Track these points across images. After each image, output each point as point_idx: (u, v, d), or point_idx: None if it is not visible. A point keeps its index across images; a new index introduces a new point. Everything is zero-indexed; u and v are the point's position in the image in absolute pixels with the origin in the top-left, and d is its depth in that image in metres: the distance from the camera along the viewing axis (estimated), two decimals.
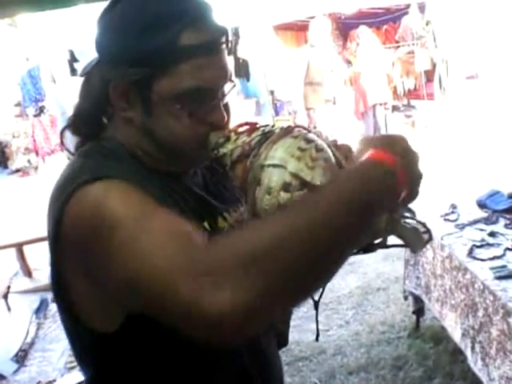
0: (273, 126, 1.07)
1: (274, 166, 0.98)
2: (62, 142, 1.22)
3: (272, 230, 0.84)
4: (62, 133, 1.21)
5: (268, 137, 1.03)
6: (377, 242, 1.02)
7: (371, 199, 0.89)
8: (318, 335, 1.37)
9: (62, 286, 1.05)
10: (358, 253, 1.01)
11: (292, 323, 4.49)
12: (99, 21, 1.11)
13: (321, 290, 1.11)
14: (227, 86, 1.13)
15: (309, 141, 1.00)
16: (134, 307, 0.96)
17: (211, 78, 1.08)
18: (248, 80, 7.13)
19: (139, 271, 0.87)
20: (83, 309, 1.05)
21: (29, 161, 13.26)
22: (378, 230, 0.97)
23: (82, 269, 1.00)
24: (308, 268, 0.83)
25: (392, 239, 1.04)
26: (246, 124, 1.10)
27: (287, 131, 1.03)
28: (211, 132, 1.10)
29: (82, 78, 1.19)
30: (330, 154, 1.01)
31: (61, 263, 1.03)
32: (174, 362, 1.10)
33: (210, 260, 0.82)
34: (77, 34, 11.29)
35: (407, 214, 1.03)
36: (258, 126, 1.09)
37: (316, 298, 1.14)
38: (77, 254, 0.99)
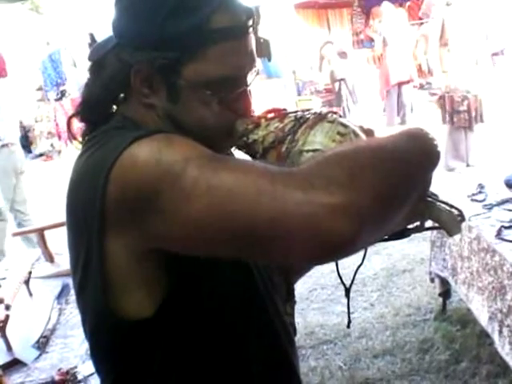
0: (303, 111, 1.06)
1: (315, 151, 0.97)
2: (69, 129, 1.18)
3: (360, 147, 0.91)
4: (69, 120, 1.17)
5: (302, 122, 1.01)
6: (413, 226, 1.02)
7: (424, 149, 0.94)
8: (349, 322, 1.37)
9: (97, 270, 0.99)
10: (392, 238, 1.01)
11: (315, 306, 4.50)
12: (118, 1, 1.06)
13: (352, 276, 1.18)
14: (252, 72, 1.10)
15: (345, 126, 1.00)
16: (214, 253, 0.95)
17: (241, 64, 1.05)
18: (269, 60, 7.03)
19: (237, 210, 0.86)
20: (122, 292, 1.01)
21: (52, 145, 13.35)
22: (415, 213, 0.97)
23: (138, 233, 0.95)
24: (401, 174, 0.88)
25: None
26: (274, 110, 1.08)
27: (322, 116, 1.01)
28: (237, 119, 1.08)
29: (90, 63, 1.14)
30: (365, 139, 1.01)
31: (104, 240, 0.97)
32: (205, 346, 1.08)
33: (311, 175, 0.85)
34: (97, 18, 11.30)
35: (436, 197, 1.00)
36: (286, 111, 1.08)
37: (347, 285, 1.22)
38: (133, 218, 0.94)
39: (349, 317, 1.33)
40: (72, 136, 1.18)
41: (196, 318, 1.06)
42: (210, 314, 1.08)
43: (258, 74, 1.11)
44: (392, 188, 0.87)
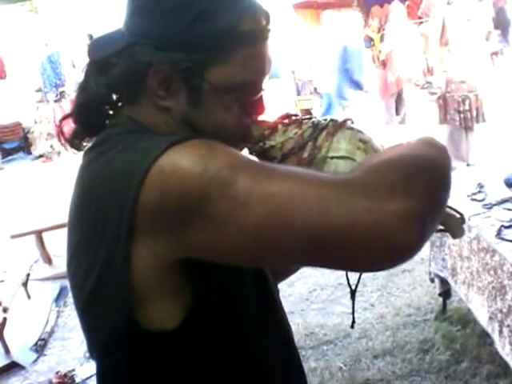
0: (315, 118, 1.07)
1: (340, 157, 0.99)
2: (62, 132, 1.12)
3: (404, 156, 0.92)
4: (61, 122, 1.13)
5: (321, 129, 1.03)
6: None
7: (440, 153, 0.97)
8: (353, 322, 1.36)
9: (122, 280, 0.94)
10: None
11: (315, 306, 4.49)
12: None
13: (357, 280, 1.20)
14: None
15: (363, 133, 1.02)
16: (265, 263, 0.98)
17: (262, 69, 1.04)
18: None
19: (302, 218, 0.85)
20: (146, 302, 0.96)
21: (51, 146, 13.33)
22: None
23: (172, 242, 0.91)
24: (441, 179, 0.92)
25: None
26: (288, 116, 1.09)
27: (341, 123, 1.04)
28: (252, 124, 1.07)
29: (91, 61, 1.08)
30: (398, 147, 1.05)
31: (131, 248, 0.92)
32: (227, 351, 1.05)
33: (370, 183, 0.86)
34: (96, 19, 11.31)
35: None
36: (301, 117, 1.08)
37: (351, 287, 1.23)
38: (171, 226, 0.89)
39: (353, 317, 1.32)
40: (65, 139, 1.12)
41: (220, 324, 1.03)
42: (233, 319, 1.05)
43: (268, 78, 1.10)
44: (438, 193, 0.90)
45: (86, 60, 1.09)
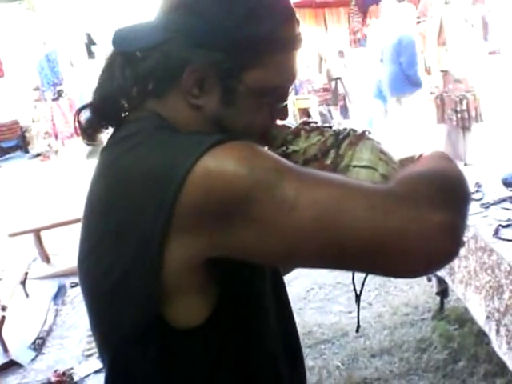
0: (335, 126, 1.12)
1: (363, 167, 1.03)
2: (79, 122, 1.09)
3: (435, 170, 0.98)
4: (78, 113, 1.09)
5: (342, 138, 1.07)
6: None
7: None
8: (358, 326, 1.38)
9: (152, 277, 0.93)
10: None
11: (313, 305, 4.48)
12: None
13: (361, 285, 1.21)
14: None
15: (381, 144, 1.07)
16: (301, 263, 1.00)
17: (294, 75, 1.06)
18: None
19: (349, 224, 0.86)
20: (173, 299, 0.95)
21: (49, 145, 13.33)
22: None
23: (211, 241, 0.91)
24: (466, 192, 0.97)
25: None
26: (308, 122, 1.12)
27: (362, 134, 1.08)
28: (275, 128, 1.10)
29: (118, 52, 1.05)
30: (425, 161, 1.08)
31: (164, 246, 0.91)
32: (247, 349, 1.06)
33: (412, 193, 0.89)
34: (94, 17, 11.29)
35: None
36: (322, 125, 1.12)
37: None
38: (212, 226, 0.90)
39: (358, 321, 1.34)
40: (81, 128, 1.09)
41: (241, 321, 1.04)
42: (253, 316, 1.07)
43: None
44: (466, 205, 0.95)
45: (110, 50, 1.06)
